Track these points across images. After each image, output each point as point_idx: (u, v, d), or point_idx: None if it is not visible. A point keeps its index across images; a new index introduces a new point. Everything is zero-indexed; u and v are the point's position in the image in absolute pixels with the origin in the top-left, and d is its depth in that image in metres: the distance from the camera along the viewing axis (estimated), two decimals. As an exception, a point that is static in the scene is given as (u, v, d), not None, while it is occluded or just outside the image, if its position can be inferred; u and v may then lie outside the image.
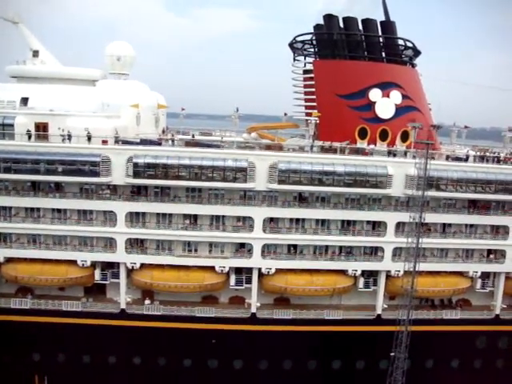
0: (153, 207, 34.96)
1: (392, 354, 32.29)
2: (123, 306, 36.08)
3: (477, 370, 39.17)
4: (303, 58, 43.75)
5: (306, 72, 42.58)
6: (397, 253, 36.98)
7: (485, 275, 39.45)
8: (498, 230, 38.99)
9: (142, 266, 35.81)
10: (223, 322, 35.88)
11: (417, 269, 31.25)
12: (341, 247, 37.18)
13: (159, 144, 36.07)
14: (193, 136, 41.39)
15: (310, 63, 42.62)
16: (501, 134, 47.68)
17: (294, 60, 43.88)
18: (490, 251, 39.25)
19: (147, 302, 36.47)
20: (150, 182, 34.32)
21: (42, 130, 35.43)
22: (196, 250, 36.46)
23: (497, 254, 39.11)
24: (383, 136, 39.45)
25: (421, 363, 37.30)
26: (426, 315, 37.73)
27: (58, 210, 35.16)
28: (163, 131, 42.42)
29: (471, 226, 38.68)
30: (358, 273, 37.15)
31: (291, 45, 43.53)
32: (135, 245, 35.94)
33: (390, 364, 32.45)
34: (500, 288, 39.54)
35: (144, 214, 35.38)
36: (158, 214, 35.49)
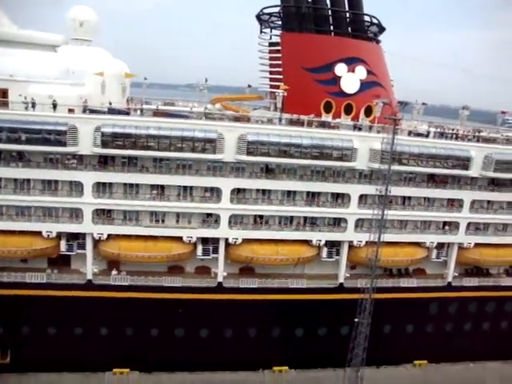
0: (120, 177, 40.31)
1: (356, 319, 39.53)
2: (90, 276, 41.71)
3: (426, 332, 48.30)
4: (270, 30, 49.96)
5: (272, 44, 48.97)
6: (359, 224, 44.85)
7: (440, 245, 48.36)
8: (453, 203, 47.79)
9: (109, 236, 41.38)
10: (190, 291, 42.32)
11: (380, 239, 38.59)
12: (305, 218, 44.47)
13: (127, 114, 41.19)
14: (157, 107, 46.83)
15: (276, 36, 48.95)
16: (451, 111, 56.63)
17: (261, 32, 50.05)
18: (445, 223, 48.08)
19: (114, 272, 42.29)
20: (117, 152, 39.48)
21: (1, 96, 39.41)
22: (163, 221, 42.50)
23: (451, 226, 48.03)
24: (348, 110, 46.90)
25: (379, 328, 45.65)
26: (385, 283, 45.90)
27: (22, 181, 39.59)
28: (127, 101, 47.38)
29: (429, 199, 47.18)
30: (322, 243, 44.69)
31: (258, 16, 49.70)
32: (102, 215, 41.40)
33: (354, 329, 39.41)
34: (453, 258, 48.74)
35: (111, 184, 40.69)
36: (125, 185, 40.96)
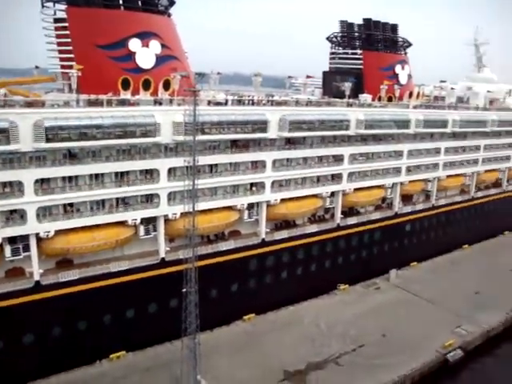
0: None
1: (184, 290, 42.40)
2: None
3: (250, 289, 54.17)
4: (53, 4, 48.27)
5: (57, 21, 47.64)
6: (172, 197, 47.64)
7: (250, 206, 53.99)
8: (257, 165, 53.53)
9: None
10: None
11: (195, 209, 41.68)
12: (117, 199, 45.63)
13: None
14: None
15: (61, 11, 47.62)
16: (244, 78, 62.53)
17: (43, 6, 48.07)
18: (252, 184, 53.67)
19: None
20: None
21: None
22: None
23: (258, 186, 53.90)
24: (146, 86, 48.62)
25: (206, 294, 49.65)
26: (205, 250, 49.77)
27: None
28: None
29: (235, 164, 52.07)
30: (138, 221, 46.50)
31: (37, -11, 47.57)
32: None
33: (184, 299, 42.49)
34: (263, 215, 54.97)
35: None
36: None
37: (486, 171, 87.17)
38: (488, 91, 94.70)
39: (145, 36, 48.52)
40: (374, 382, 44.09)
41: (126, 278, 45.85)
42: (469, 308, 59.66)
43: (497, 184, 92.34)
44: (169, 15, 52.42)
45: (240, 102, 54.27)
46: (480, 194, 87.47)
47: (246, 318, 53.92)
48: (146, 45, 48.59)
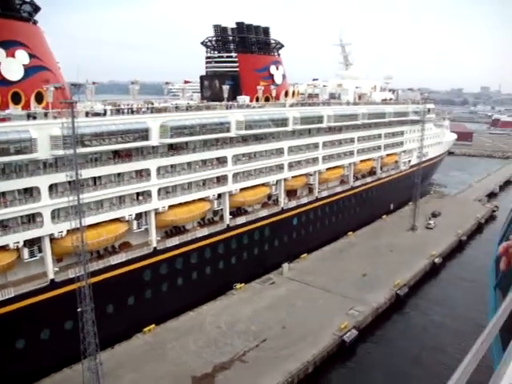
0: None
1: (79, 309, 41.20)
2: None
3: (147, 299, 53.92)
4: None
5: None
6: (55, 214, 46.07)
7: (138, 216, 53.73)
8: (141, 174, 53.38)
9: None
10: None
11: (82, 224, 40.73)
12: (-2, 222, 43.17)
13: None
14: None
15: None
16: (119, 86, 62.17)
17: None
18: (138, 194, 53.41)
19: None
20: None
21: None
22: None
23: (144, 195, 53.75)
24: (15, 99, 46.47)
25: (103, 310, 48.55)
26: (96, 266, 48.80)
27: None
28: None
29: (119, 174, 51.52)
30: (21, 244, 44.31)
31: None
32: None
33: (79, 319, 41.28)
34: (152, 224, 54.90)
35: None
36: None
37: (362, 161, 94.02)
38: (356, 87, 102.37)
39: (9, 45, 46.28)
40: (279, 372, 46.26)
41: (13, 306, 43.41)
42: (358, 290, 64.38)
43: (372, 172, 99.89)
44: (34, 22, 50.32)
45: (119, 112, 53.70)
46: (358, 182, 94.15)
47: (146, 329, 53.55)
48: (11, 55, 46.31)
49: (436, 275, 76.64)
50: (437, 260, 78.54)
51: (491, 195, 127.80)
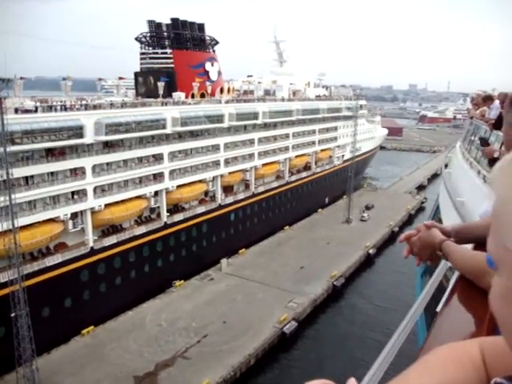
0: None
1: (13, 314, 40.28)
2: None
3: (86, 300, 53.38)
4: None
5: None
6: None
7: (74, 215, 53.05)
8: (76, 172, 52.72)
9: None
10: None
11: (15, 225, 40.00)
12: None
13: None
14: None
15: None
16: (47, 82, 61.00)
17: None
18: (73, 193, 52.73)
19: None
20: None
21: None
22: None
23: (80, 194, 53.13)
24: None
25: (38, 314, 47.70)
26: (30, 268, 47.79)
27: None
28: None
29: (53, 173, 50.65)
30: None
31: None
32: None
33: (13, 325, 40.41)
34: (89, 223, 54.39)
35: None
36: None
37: (297, 156, 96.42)
38: (291, 84, 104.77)
39: None
40: (222, 367, 47.25)
41: None
42: (297, 283, 66.40)
43: (307, 167, 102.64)
44: None
45: (51, 109, 52.64)
46: (293, 178, 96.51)
47: (84, 331, 52.81)
48: None
49: (370, 265, 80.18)
50: (371, 251, 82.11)
51: (420, 187, 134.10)
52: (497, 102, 14.27)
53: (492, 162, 10.06)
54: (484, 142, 11.64)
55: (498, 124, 12.22)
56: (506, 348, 1.06)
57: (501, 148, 11.09)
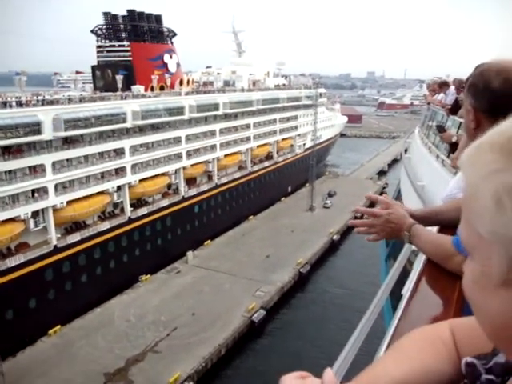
0: None
1: None
2: None
3: (51, 300, 52.64)
4: None
5: None
6: None
7: (35, 214, 52.15)
8: (36, 170, 51.78)
9: None
10: None
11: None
12: None
13: None
14: None
15: None
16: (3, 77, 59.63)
17: None
18: (34, 191, 51.80)
19: None
20: None
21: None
22: None
23: (40, 192, 52.22)
24: None
25: (1, 316, 46.92)
26: (-9, 269, 46.98)
27: None
28: None
29: (10, 171, 49.59)
30: None
31: None
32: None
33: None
34: (51, 222, 53.59)
35: None
36: None
37: (258, 146, 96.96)
38: (250, 74, 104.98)
39: None
40: (193, 358, 47.58)
41: None
42: (263, 271, 67.21)
43: (269, 157, 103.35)
44: None
45: (6, 105, 51.43)
46: (256, 167, 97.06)
47: (51, 331, 51.99)
48: None
49: (335, 251, 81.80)
50: (335, 237, 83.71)
51: (381, 173, 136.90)
52: (452, 87, 14.85)
53: (451, 146, 10.47)
54: (441, 128, 12.17)
55: (454, 109, 12.84)
56: (475, 328, 1.11)
57: (457, 132, 11.62)
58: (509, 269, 0.85)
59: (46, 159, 52.43)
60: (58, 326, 52.60)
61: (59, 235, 55.34)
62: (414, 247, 3.31)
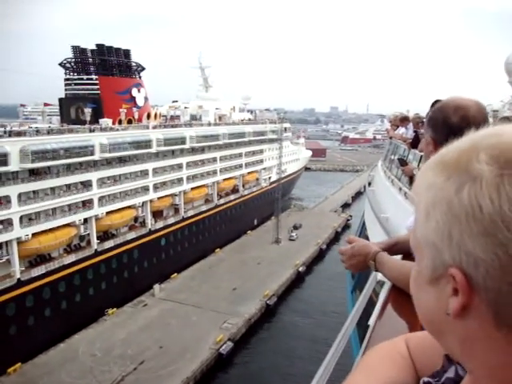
0: None
1: None
2: None
3: (13, 336, 51.37)
4: None
5: None
6: None
7: (-1, 246, 51.49)
8: (0, 201, 51.41)
9: None
10: None
11: None
12: None
13: None
14: None
15: None
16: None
17: None
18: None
19: None
20: None
21: None
22: None
23: (4, 224, 51.66)
24: None
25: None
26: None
27: None
28: None
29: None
30: None
31: None
32: None
33: None
34: (15, 254, 52.87)
35: None
36: None
37: (225, 180, 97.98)
38: (216, 108, 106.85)
39: None
40: (160, 392, 47.04)
41: None
42: (230, 304, 67.32)
43: (235, 190, 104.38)
44: None
45: (-30, 137, 51.26)
46: (222, 200, 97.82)
47: (10, 370, 50.19)
48: None
49: (301, 283, 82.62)
50: (301, 269, 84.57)
51: (345, 206, 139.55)
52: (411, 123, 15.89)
53: (412, 179, 11.04)
54: (403, 162, 12.91)
55: (414, 143, 13.71)
56: (428, 340, 1.17)
57: (418, 166, 12.42)
58: (433, 269, 0.99)
59: (12, 190, 52.10)
60: (19, 364, 50.91)
61: (23, 268, 54.53)
62: (379, 277, 3.42)
